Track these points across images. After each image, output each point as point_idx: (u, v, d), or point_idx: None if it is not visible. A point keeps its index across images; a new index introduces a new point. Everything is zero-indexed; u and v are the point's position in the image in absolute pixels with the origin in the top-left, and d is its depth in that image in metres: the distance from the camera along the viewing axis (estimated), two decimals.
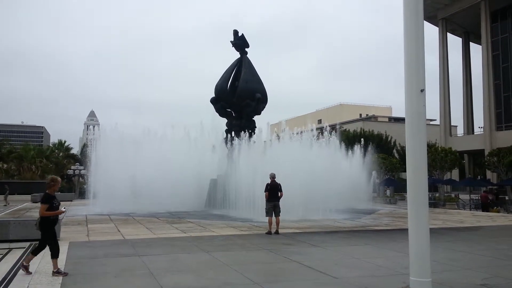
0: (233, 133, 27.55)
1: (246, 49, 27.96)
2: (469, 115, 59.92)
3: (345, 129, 76.76)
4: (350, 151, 50.45)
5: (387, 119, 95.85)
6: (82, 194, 46.16)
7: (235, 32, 27.84)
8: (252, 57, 28.24)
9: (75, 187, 47.70)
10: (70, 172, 47.48)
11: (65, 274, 7.62)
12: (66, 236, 12.42)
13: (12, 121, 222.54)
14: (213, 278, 7.51)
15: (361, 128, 65.68)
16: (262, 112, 27.34)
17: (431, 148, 39.92)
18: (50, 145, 65.58)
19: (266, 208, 14.23)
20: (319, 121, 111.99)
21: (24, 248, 10.75)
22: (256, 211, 21.30)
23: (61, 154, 61.30)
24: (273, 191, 14.28)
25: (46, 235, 7.97)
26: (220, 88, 27.31)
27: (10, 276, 7.74)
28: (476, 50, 60.25)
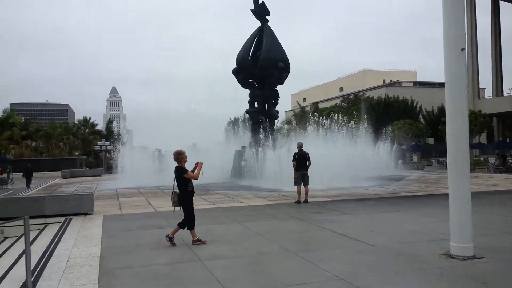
0: (256, 103, 27.33)
1: (267, 17, 27.19)
2: (498, 77, 57.65)
3: (368, 96, 75.12)
4: (374, 119, 49.71)
5: (412, 84, 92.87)
6: (109, 169, 47.23)
7: (255, 0, 27.04)
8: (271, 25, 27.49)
9: (102, 162, 48.75)
10: (97, 148, 48.45)
11: (204, 242, 7.82)
12: (99, 210, 12.69)
13: (37, 100, 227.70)
14: (248, 248, 7.52)
15: (385, 94, 63.97)
16: (284, 81, 26.83)
17: None
18: (76, 122, 66.78)
19: (294, 178, 14.07)
20: (341, 89, 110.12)
21: (60, 222, 11.01)
22: (283, 181, 21.36)
23: (87, 130, 62.48)
24: (301, 160, 14.08)
25: (188, 207, 8.06)
26: (241, 59, 26.84)
27: (50, 249, 7.93)
28: (504, 10, 57.57)
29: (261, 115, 26.84)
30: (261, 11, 27.05)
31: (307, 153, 14.43)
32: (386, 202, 13.58)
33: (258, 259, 6.81)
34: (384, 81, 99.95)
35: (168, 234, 7.90)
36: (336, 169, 21.76)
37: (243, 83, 27.43)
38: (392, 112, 56.38)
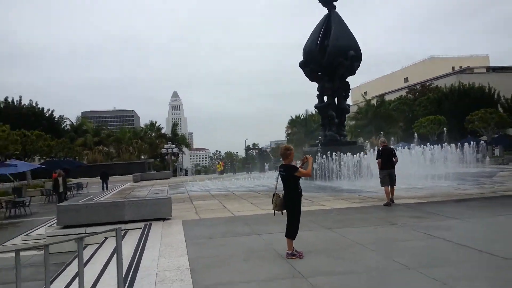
0: (325, 97, 26.07)
1: (335, 3, 25.74)
2: None
3: (437, 85, 70.29)
4: (447, 109, 46.11)
5: (484, 70, 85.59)
6: (174, 172, 48.14)
7: None
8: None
9: (169, 165, 49.79)
10: (164, 151, 49.56)
11: (301, 256, 6.73)
12: (176, 214, 12.25)
13: (105, 107, 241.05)
14: (352, 261, 6.50)
15: (459, 82, 59.09)
16: (356, 71, 25.22)
17: None
18: (143, 126, 69.17)
19: (380, 177, 12.86)
20: (406, 80, 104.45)
21: (140, 228, 10.66)
22: (363, 181, 20.03)
23: (153, 134, 64.41)
24: (387, 157, 12.80)
25: (297, 211, 6.86)
26: (308, 50, 25.64)
27: (136, 260, 7.43)
28: None
29: (331, 109, 25.54)
30: None
31: (392, 149, 13.24)
32: (492, 203, 11.88)
33: (373, 277, 5.76)
34: (453, 68, 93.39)
35: (288, 252, 6.78)
36: (415, 167, 20.13)
37: (311, 76, 26.25)
38: (468, 101, 51.94)
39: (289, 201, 6.86)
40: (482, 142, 35.13)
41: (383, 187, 12.65)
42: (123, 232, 10.69)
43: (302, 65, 26.13)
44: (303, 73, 26.22)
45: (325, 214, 11.15)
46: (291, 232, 6.86)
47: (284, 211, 7.05)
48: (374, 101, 65.18)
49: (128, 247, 8.81)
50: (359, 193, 15.68)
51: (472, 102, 49.77)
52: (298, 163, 7.40)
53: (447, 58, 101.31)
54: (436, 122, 45.84)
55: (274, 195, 7.15)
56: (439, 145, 22.79)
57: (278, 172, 7.16)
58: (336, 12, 25.64)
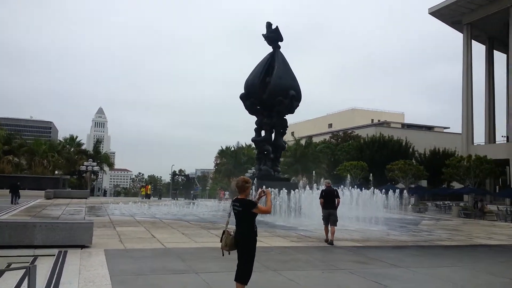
0: (263, 132, 25.80)
1: (279, 43, 26.07)
2: (491, 124, 57.96)
3: (357, 134, 74.72)
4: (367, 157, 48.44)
5: (400, 125, 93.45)
6: (92, 191, 44.65)
7: (268, 25, 25.91)
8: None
9: (87, 184, 46.14)
10: (83, 168, 45.92)
11: None
12: (97, 241, 10.70)
13: (21, 115, 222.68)
14: None
15: (380, 133, 63.47)
16: (295, 110, 25.40)
17: (463, 158, 37.65)
18: (61, 139, 63.94)
19: (322, 215, 12.89)
20: (330, 125, 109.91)
21: (54, 255, 9.04)
22: (295, 218, 19.64)
23: (72, 149, 59.77)
24: (329, 197, 12.79)
25: (252, 253, 5.98)
26: (251, 83, 25.38)
27: None
28: (497, 59, 58.81)
29: (268, 144, 25.27)
30: (274, 37, 25.95)
31: (335, 190, 13.18)
32: (428, 252, 11.89)
33: None
34: (372, 120, 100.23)
35: None
36: (344, 208, 20.33)
37: (251, 109, 25.92)
38: (386, 152, 55.78)
39: (244, 242, 5.96)
40: (404, 190, 36.97)
41: (324, 226, 12.84)
42: (32, 258, 9.04)
43: (243, 97, 25.76)
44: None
45: (266, 253, 10.33)
46: (244, 276, 5.94)
47: (232, 251, 6.17)
48: (302, 141, 67.09)
49: (40, 279, 7.27)
50: (294, 231, 15.17)
51: (390, 153, 53.72)
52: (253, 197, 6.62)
53: (368, 110, 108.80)
54: (359, 167, 47.88)
55: (224, 232, 6.20)
56: (365, 189, 23.41)
57: (231, 207, 6.29)
58: (280, 52, 25.89)
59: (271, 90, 24.62)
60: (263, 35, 26.08)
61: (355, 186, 24.91)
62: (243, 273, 5.92)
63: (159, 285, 7.02)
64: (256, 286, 6.83)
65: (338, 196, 12.91)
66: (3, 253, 9.21)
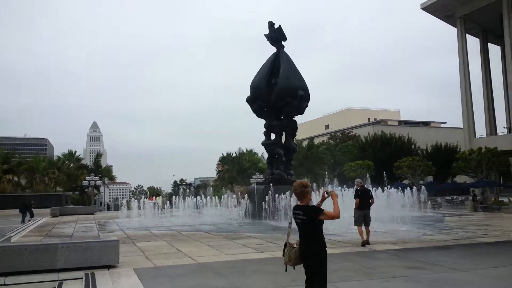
0: (272, 134, 25.08)
1: (283, 42, 25.34)
2: (491, 116, 57.58)
3: (355, 133, 74.28)
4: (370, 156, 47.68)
5: (396, 123, 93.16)
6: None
7: (271, 24, 25.17)
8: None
9: (91, 199, 45.18)
10: (85, 183, 44.93)
11: None
12: (123, 260, 9.86)
13: (15, 134, 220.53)
14: None
15: (381, 131, 62.92)
16: (305, 111, 24.70)
17: (474, 151, 37.02)
18: (60, 156, 62.76)
19: (355, 217, 12.32)
20: (326, 127, 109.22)
21: (82, 278, 8.24)
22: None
23: (72, 165, 58.76)
24: (364, 198, 12.18)
25: (324, 268, 5.09)
26: (257, 86, 24.66)
27: None
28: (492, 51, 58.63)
29: (279, 147, 24.53)
30: (277, 37, 25.27)
31: (370, 191, 12.61)
32: (476, 252, 11.14)
33: None
34: (368, 119, 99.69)
35: None
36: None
37: (259, 112, 25.22)
38: (390, 150, 55.26)
39: (314, 257, 5.11)
40: (422, 186, 36.31)
41: (357, 227, 12.30)
42: (56, 284, 8.23)
43: (250, 100, 25.05)
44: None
45: None
46: None
47: (297, 266, 5.41)
48: (304, 144, 66.50)
49: None
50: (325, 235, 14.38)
51: (394, 151, 53.29)
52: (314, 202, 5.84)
53: (364, 109, 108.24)
54: (365, 166, 47.24)
55: (285, 245, 5.43)
56: (380, 188, 22.67)
57: (291, 216, 5.53)
58: (285, 51, 25.23)
59: (278, 91, 23.95)
60: (265, 35, 25.45)
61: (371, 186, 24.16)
62: None
63: None
64: None
65: (372, 197, 12.36)
66: (24, 279, 8.41)
